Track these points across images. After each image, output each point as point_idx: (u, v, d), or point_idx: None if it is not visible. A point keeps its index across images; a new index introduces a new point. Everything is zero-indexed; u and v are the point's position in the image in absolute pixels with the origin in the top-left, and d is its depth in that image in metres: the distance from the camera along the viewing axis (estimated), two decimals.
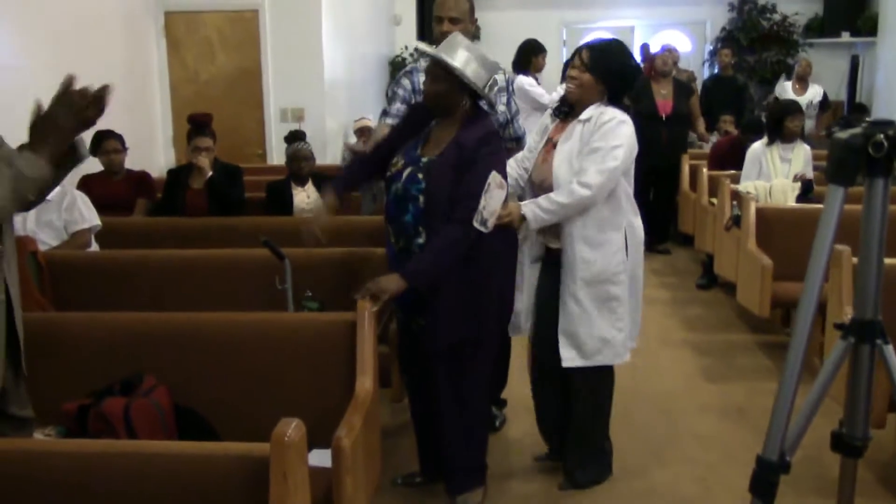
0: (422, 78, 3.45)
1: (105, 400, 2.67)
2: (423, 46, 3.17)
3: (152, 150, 7.22)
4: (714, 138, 8.14)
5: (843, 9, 11.03)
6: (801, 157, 5.67)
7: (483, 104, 3.19)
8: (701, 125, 8.00)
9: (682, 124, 7.72)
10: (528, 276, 3.39)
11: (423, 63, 3.54)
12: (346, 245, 3.85)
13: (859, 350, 1.86)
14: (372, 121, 8.23)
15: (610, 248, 3.19)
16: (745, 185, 5.61)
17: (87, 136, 2.19)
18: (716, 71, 10.24)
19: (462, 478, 3.25)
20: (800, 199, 5.54)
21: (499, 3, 11.73)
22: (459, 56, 2.99)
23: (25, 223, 4.18)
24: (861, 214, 1.82)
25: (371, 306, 2.95)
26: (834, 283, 3.63)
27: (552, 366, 3.30)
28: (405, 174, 3.04)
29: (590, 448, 3.44)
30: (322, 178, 5.37)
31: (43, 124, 2.04)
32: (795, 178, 5.57)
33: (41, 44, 5.30)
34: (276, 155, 7.60)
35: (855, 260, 3.46)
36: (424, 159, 3.05)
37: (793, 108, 5.78)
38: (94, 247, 4.45)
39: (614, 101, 3.19)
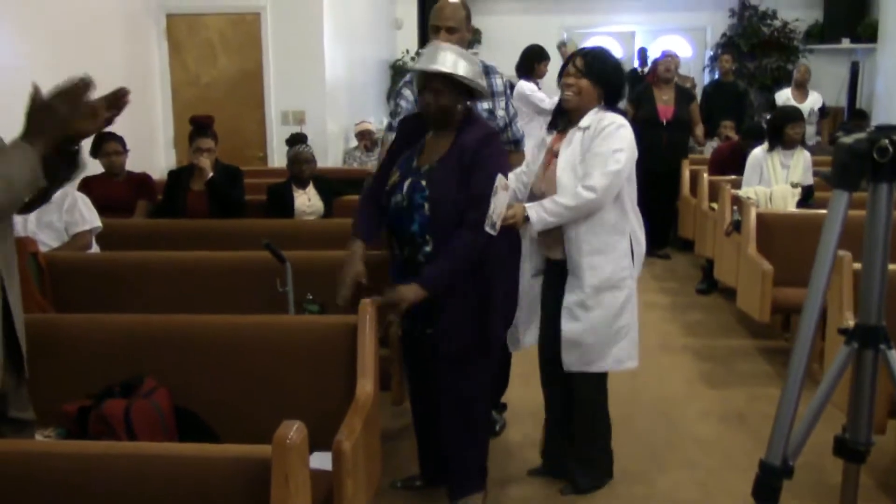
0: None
1: (105, 402, 2.66)
2: (419, 67, 3.08)
3: (153, 152, 7.22)
4: (713, 143, 8.15)
5: (844, 15, 11.05)
6: (801, 164, 5.67)
7: (484, 107, 3.20)
8: (699, 130, 8.00)
9: (683, 130, 7.73)
10: (528, 290, 3.39)
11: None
12: (346, 248, 3.84)
13: (863, 355, 1.86)
14: (373, 124, 8.24)
15: (616, 253, 3.19)
16: (746, 191, 5.61)
17: (87, 139, 2.16)
18: (716, 77, 10.25)
19: (463, 481, 3.25)
20: (800, 204, 5.54)
21: (500, 7, 11.76)
22: (450, 61, 2.99)
23: (26, 224, 4.18)
24: (865, 220, 1.81)
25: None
26: (835, 288, 3.62)
27: (561, 375, 3.30)
28: (406, 185, 3.04)
29: (591, 452, 3.43)
30: (323, 180, 5.38)
31: (41, 114, 2.00)
32: (794, 185, 5.57)
33: (41, 45, 5.30)
34: (277, 157, 7.61)
35: (856, 265, 3.47)
36: (425, 167, 3.05)
37: (794, 114, 5.78)
38: (95, 248, 4.45)
39: (611, 104, 3.22)
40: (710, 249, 6.35)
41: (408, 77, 3.85)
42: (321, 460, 2.54)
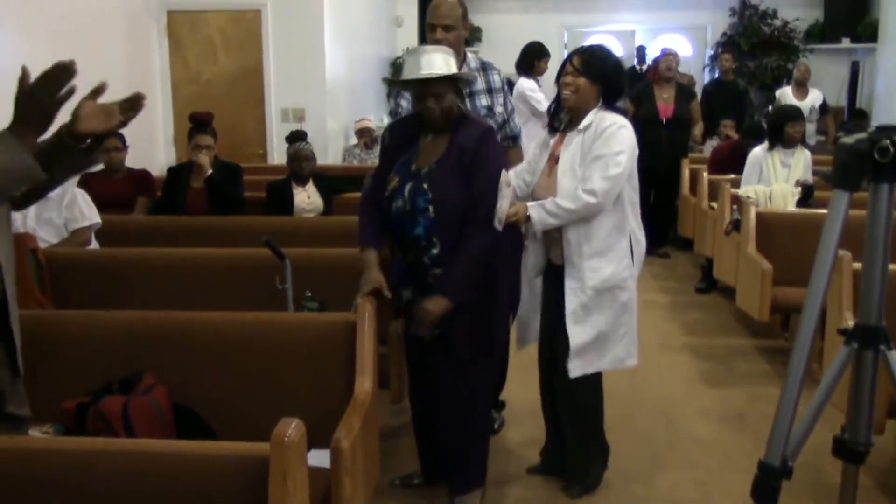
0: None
1: (104, 398, 2.66)
2: (416, 76, 3.00)
3: (153, 148, 7.22)
4: (713, 142, 8.15)
5: (844, 15, 11.05)
6: (801, 163, 5.67)
7: (483, 103, 3.20)
8: (698, 130, 7.98)
9: (683, 128, 7.72)
10: (533, 287, 3.40)
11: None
12: (345, 246, 3.84)
13: (863, 356, 1.86)
14: (373, 121, 8.24)
15: (617, 253, 3.18)
16: (746, 190, 5.60)
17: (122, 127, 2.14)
18: (716, 76, 10.25)
19: (464, 478, 3.26)
20: (800, 203, 5.54)
21: (500, 6, 11.75)
22: (441, 62, 2.98)
23: (25, 221, 4.17)
24: (866, 220, 1.81)
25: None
26: (834, 288, 3.62)
27: (555, 374, 3.30)
28: (407, 189, 3.03)
29: (587, 450, 3.43)
30: (322, 178, 5.37)
31: (26, 101, 1.97)
32: (797, 184, 5.56)
33: (41, 43, 5.29)
34: (277, 155, 7.60)
35: (856, 265, 3.47)
36: (424, 170, 3.04)
37: (794, 113, 5.78)
38: (95, 245, 4.44)
39: (610, 103, 3.19)
40: (710, 248, 6.34)
41: None
42: (319, 458, 2.53)
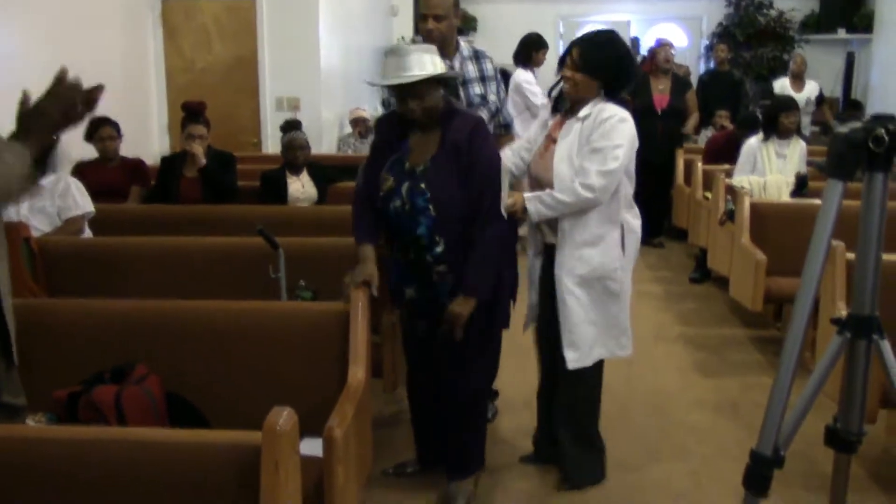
0: None
1: (96, 388, 2.65)
2: (398, 82, 2.96)
3: (147, 137, 7.19)
4: (708, 132, 8.14)
5: (839, 5, 11.06)
6: (796, 153, 5.68)
7: (477, 91, 3.19)
8: (692, 121, 7.95)
9: (679, 119, 7.72)
10: (533, 270, 3.40)
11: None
12: (339, 235, 3.83)
13: (856, 345, 1.86)
14: (367, 111, 8.21)
15: (607, 244, 3.17)
16: (740, 180, 5.61)
17: (82, 122, 2.14)
18: (712, 66, 10.24)
19: (463, 464, 3.28)
20: (794, 194, 5.54)
21: None
22: (420, 62, 2.93)
23: (18, 209, 4.16)
24: (860, 210, 1.81)
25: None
26: (827, 278, 3.62)
27: (550, 359, 3.30)
28: (404, 189, 3.01)
29: (582, 444, 3.43)
30: (317, 167, 5.36)
31: (33, 118, 2.01)
32: (796, 177, 5.56)
33: (36, 30, 5.26)
34: (272, 144, 7.58)
35: (849, 255, 3.48)
36: (419, 168, 3.02)
37: (788, 103, 5.78)
38: (88, 233, 4.43)
39: (612, 94, 3.15)
40: (704, 239, 6.35)
41: None
42: (312, 447, 2.53)
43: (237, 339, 2.93)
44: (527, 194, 3.16)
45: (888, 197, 1.80)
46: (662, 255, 7.56)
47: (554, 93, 3.31)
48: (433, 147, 3.03)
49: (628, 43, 10.57)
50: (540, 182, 3.24)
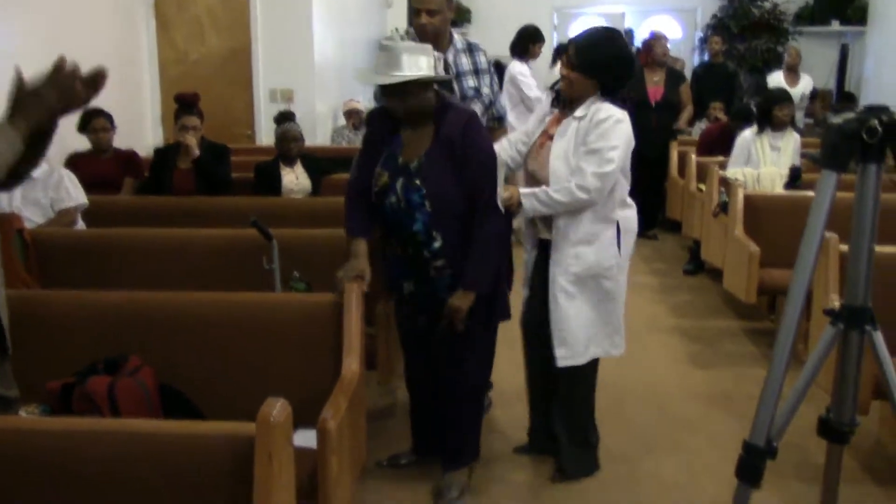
0: None
1: (89, 379, 2.64)
2: (379, 80, 2.94)
3: (141, 129, 7.16)
4: (702, 125, 8.14)
5: None
6: (790, 146, 5.68)
7: (471, 84, 3.18)
8: (685, 115, 7.93)
9: (672, 112, 7.72)
10: (530, 262, 3.40)
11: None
12: (333, 226, 3.83)
13: (849, 336, 1.86)
14: (361, 102, 8.20)
15: (601, 242, 3.17)
16: (734, 172, 5.61)
17: (75, 114, 2.13)
18: (706, 58, 10.24)
19: (460, 453, 3.30)
20: (788, 186, 5.55)
21: None
22: (411, 63, 2.89)
23: (11, 201, 4.14)
24: (853, 201, 1.81)
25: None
26: (821, 270, 3.63)
27: (545, 353, 3.30)
28: (399, 186, 3.00)
29: (577, 439, 3.44)
30: (311, 159, 5.35)
31: (28, 100, 1.99)
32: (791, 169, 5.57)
33: (28, 22, 5.23)
34: (266, 136, 7.56)
35: (842, 247, 3.48)
36: (413, 164, 3.01)
37: (781, 96, 5.78)
38: (81, 225, 4.42)
39: (609, 93, 3.12)
40: (698, 230, 6.36)
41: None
42: (306, 438, 2.53)
43: (231, 330, 2.93)
44: (523, 189, 3.16)
45: (881, 188, 1.80)
46: (656, 247, 7.57)
47: (556, 87, 3.30)
48: (427, 142, 3.01)
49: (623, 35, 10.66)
50: (536, 178, 3.24)
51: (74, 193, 4.36)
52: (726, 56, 9.88)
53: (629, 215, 3.27)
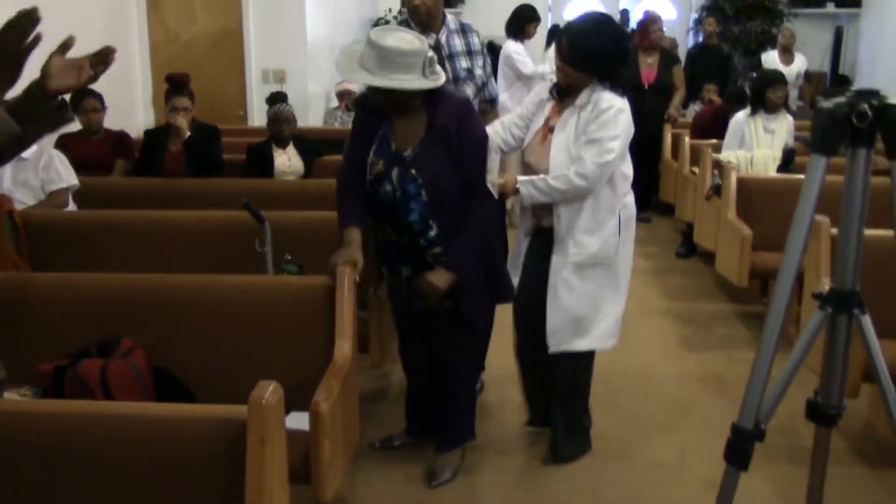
0: None
1: (81, 361, 2.65)
2: (374, 81, 2.84)
3: (132, 110, 7.13)
4: (696, 107, 8.12)
5: None
6: (784, 128, 5.68)
7: (464, 65, 3.16)
8: (677, 99, 7.88)
9: (666, 94, 7.68)
10: (523, 250, 3.40)
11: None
12: (326, 209, 3.82)
13: (837, 320, 1.87)
14: (354, 84, 8.16)
15: (604, 232, 3.17)
16: (727, 155, 5.61)
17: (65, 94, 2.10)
18: (700, 40, 10.21)
19: (450, 436, 3.32)
20: (781, 169, 5.56)
21: None
22: (399, 64, 2.79)
23: (1, 182, 4.13)
24: (843, 185, 1.81)
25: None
26: (812, 253, 3.64)
27: (536, 339, 3.31)
28: (394, 175, 2.98)
29: (571, 423, 3.45)
30: (303, 140, 5.33)
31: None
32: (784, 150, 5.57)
33: (16, 2, 5.19)
34: (258, 117, 7.54)
35: (834, 231, 3.48)
36: (407, 153, 2.98)
37: (775, 78, 5.78)
38: (72, 207, 4.40)
39: (606, 80, 3.09)
40: (691, 214, 6.36)
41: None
42: (299, 421, 2.54)
43: (223, 313, 2.93)
44: (521, 177, 3.16)
45: (871, 172, 1.80)
46: (649, 230, 7.57)
47: (550, 76, 3.30)
48: (420, 130, 2.98)
49: (619, 15, 10.60)
50: (535, 170, 3.21)
51: (65, 175, 4.34)
52: (721, 38, 9.84)
53: (628, 202, 3.27)
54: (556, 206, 3.16)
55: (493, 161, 3.04)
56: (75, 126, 5.26)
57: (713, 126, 6.60)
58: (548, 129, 3.22)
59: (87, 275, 3.10)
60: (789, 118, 5.76)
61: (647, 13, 7.83)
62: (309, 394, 2.49)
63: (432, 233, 3.01)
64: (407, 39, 2.83)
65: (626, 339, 4.56)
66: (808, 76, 8.82)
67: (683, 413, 3.92)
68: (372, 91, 2.92)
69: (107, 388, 2.60)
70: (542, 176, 3.12)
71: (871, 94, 1.73)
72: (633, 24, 9.54)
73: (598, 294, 3.23)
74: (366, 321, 3.45)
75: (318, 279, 3.01)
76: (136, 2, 7.28)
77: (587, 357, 3.38)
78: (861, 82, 9.89)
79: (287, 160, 5.18)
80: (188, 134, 5.04)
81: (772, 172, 5.51)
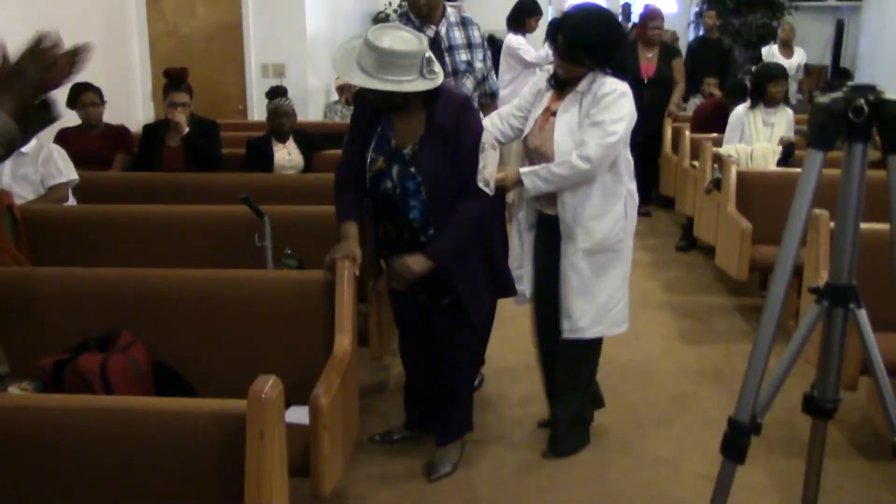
0: None
1: (81, 356, 2.66)
2: (373, 84, 2.80)
3: (131, 104, 7.13)
4: (696, 100, 8.12)
5: None
6: (783, 122, 5.68)
7: (463, 58, 3.15)
8: (676, 94, 7.86)
9: (665, 88, 7.68)
10: (526, 243, 3.39)
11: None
12: (325, 203, 3.82)
13: (833, 314, 1.87)
14: None
15: (611, 217, 3.18)
16: (727, 149, 5.61)
17: (64, 89, 2.11)
18: (701, 33, 10.19)
19: (449, 429, 3.33)
20: (780, 163, 5.55)
21: None
22: (397, 67, 2.76)
23: (1, 177, 4.13)
24: (840, 180, 1.82)
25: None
26: (811, 247, 3.65)
27: (554, 333, 3.32)
28: (394, 172, 2.98)
29: (573, 417, 3.46)
30: (303, 135, 5.33)
31: (9, 76, 1.96)
32: (781, 142, 5.57)
33: None
34: (257, 111, 7.54)
35: (832, 224, 3.49)
36: (406, 150, 2.98)
37: (776, 72, 5.77)
38: (72, 201, 4.41)
39: (607, 65, 3.10)
40: (691, 207, 6.36)
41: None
42: (299, 415, 2.55)
43: (223, 307, 2.94)
44: (523, 169, 3.14)
45: (867, 167, 1.80)
46: (649, 224, 7.57)
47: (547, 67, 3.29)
48: (419, 127, 2.97)
49: (620, 9, 10.58)
50: (538, 153, 3.20)
51: (65, 169, 4.34)
52: (721, 31, 9.83)
53: (632, 188, 3.28)
54: (561, 193, 3.15)
55: (492, 156, 3.02)
56: (75, 120, 5.27)
57: (713, 120, 6.60)
58: (549, 114, 3.21)
59: (86, 269, 3.11)
60: (789, 112, 5.76)
61: (647, 8, 7.81)
62: (308, 388, 2.50)
63: (431, 230, 3.02)
64: (405, 39, 2.81)
65: (626, 333, 4.57)
66: (807, 70, 8.81)
67: (682, 406, 3.93)
68: (370, 91, 2.90)
69: (106, 382, 2.61)
70: (544, 165, 3.11)
71: (867, 89, 1.73)
72: (635, 19, 9.51)
73: (609, 279, 3.24)
74: (365, 315, 3.46)
75: (317, 273, 3.02)
76: None
77: (595, 346, 3.38)
78: (862, 76, 9.89)
79: (287, 154, 5.18)
80: (186, 129, 5.04)
81: (771, 166, 5.51)
